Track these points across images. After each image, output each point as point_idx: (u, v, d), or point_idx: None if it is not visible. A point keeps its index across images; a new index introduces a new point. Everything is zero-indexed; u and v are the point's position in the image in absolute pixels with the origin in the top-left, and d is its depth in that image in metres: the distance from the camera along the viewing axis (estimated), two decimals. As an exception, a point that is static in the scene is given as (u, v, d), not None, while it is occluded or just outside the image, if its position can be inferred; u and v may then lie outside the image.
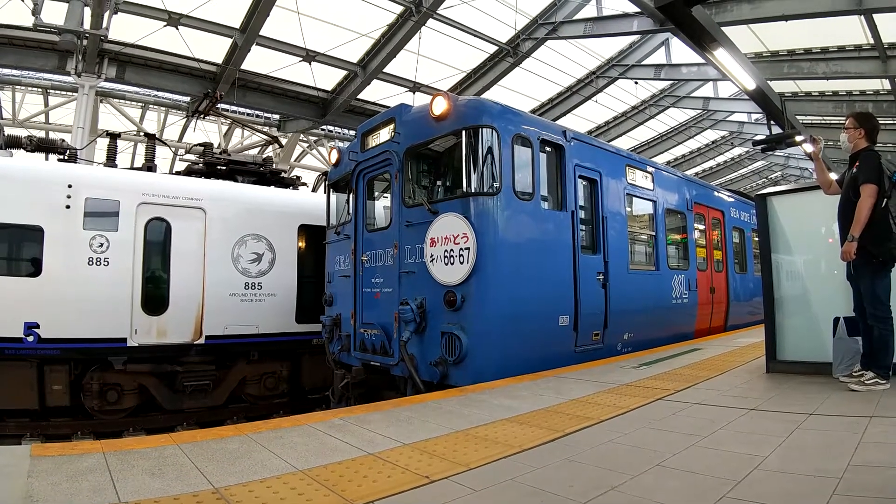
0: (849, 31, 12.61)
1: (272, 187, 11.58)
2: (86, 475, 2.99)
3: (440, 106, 6.66)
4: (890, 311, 4.80)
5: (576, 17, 16.22)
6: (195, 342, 9.43)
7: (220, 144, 20.51)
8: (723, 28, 10.95)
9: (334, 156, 9.05)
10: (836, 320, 5.28)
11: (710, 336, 10.41)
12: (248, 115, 19.21)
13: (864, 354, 5.07)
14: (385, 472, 3.11)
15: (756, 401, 4.64)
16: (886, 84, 15.06)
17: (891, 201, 4.79)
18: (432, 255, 6.53)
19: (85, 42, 12.96)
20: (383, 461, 3.31)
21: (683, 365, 6.68)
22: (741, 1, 11.70)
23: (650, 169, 9.48)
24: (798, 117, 18.00)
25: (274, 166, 12.57)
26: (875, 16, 11.43)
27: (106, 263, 8.78)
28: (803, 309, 6.03)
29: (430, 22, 15.08)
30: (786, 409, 4.30)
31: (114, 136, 10.97)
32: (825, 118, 19.19)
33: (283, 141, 20.27)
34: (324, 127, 20.62)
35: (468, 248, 6.14)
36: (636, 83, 20.86)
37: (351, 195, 8.36)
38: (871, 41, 12.77)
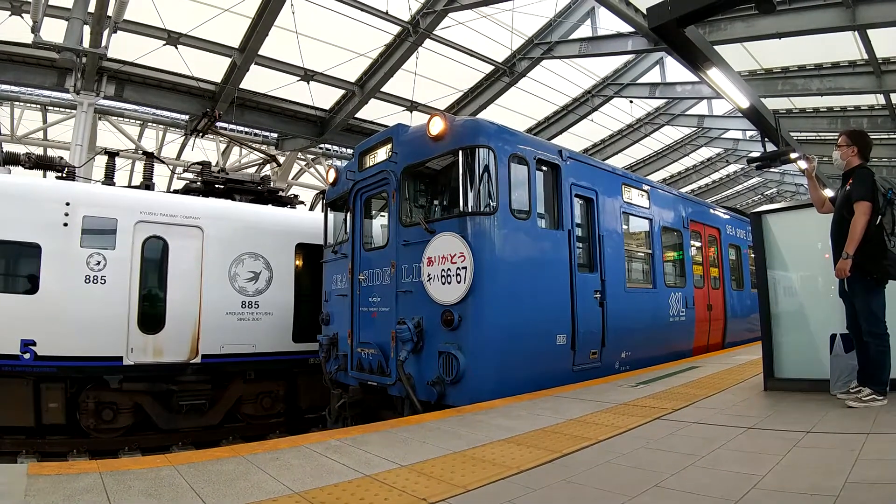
0: (843, 47, 12.73)
1: (269, 206, 11.60)
2: (82, 495, 3.00)
3: (437, 126, 6.72)
4: (885, 328, 4.81)
5: (571, 36, 16.39)
6: (191, 361, 9.39)
7: (217, 163, 20.57)
8: (717, 47, 11.06)
9: (332, 175, 9.09)
10: (833, 337, 5.30)
11: (708, 353, 10.40)
12: (246, 133, 19.28)
13: (860, 371, 5.07)
14: (382, 495, 3.09)
15: (754, 419, 4.63)
16: (881, 99, 15.18)
17: (885, 218, 4.81)
18: (429, 275, 6.54)
19: (84, 60, 13.04)
20: (380, 483, 3.29)
21: (681, 383, 6.67)
22: (735, 19, 11.84)
23: (646, 187, 9.53)
24: (792, 134, 18.14)
25: (271, 185, 12.60)
26: (869, 31, 11.54)
27: (103, 281, 8.77)
28: (800, 326, 6.03)
29: (428, 42, 15.24)
30: (783, 427, 4.29)
31: (112, 154, 11.00)
32: (820, 134, 19.34)
33: (281, 159, 20.35)
34: (321, 145, 20.70)
35: (465, 268, 6.16)
36: (631, 102, 21.03)
37: (348, 214, 8.39)
38: (866, 56, 12.89)
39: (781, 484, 3.05)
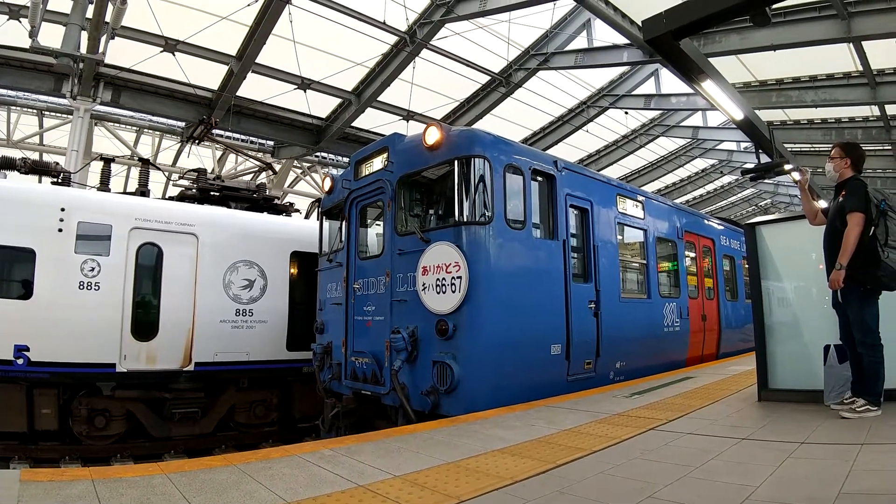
0: (837, 58, 12.79)
1: (265, 214, 11.59)
2: (75, 502, 2.99)
3: (433, 136, 6.74)
4: (879, 339, 4.84)
5: (567, 48, 16.48)
6: (184, 369, 9.34)
7: (213, 170, 20.57)
8: (711, 59, 11.12)
9: (328, 183, 9.10)
10: (827, 348, 5.32)
11: (703, 364, 10.41)
12: (242, 141, 19.29)
13: (854, 382, 5.09)
14: (375, 505, 3.08)
15: (748, 430, 4.64)
16: (875, 110, 15.26)
17: (878, 229, 4.85)
18: (424, 284, 6.54)
19: (81, 65, 13.04)
20: (373, 493, 3.28)
21: (676, 394, 6.68)
22: (729, 32, 11.90)
23: (640, 198, 9.57)
24: (787, 145, 18.20)
25: (267, 193, 12.59)
26: (864, 43, 11.62)
27: (97, 288, 8.74)
28: (794, 336, 6.05)
29: (424, 52, 15.31)
30: (777, 437, 4.30)
31: (108, 161, 10.99)
32: (814, 146, 19.42)
33: (277, 167, 20.34)
34: (317, 154, 20.73)
35: (460, 277, 6.16)
36: (626, 113, 21.11)
37: (344, 223, 8.39)
38: (860, 68, 12.94)
39: (775, 495, 3.05)
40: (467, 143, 6.64)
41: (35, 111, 18.30)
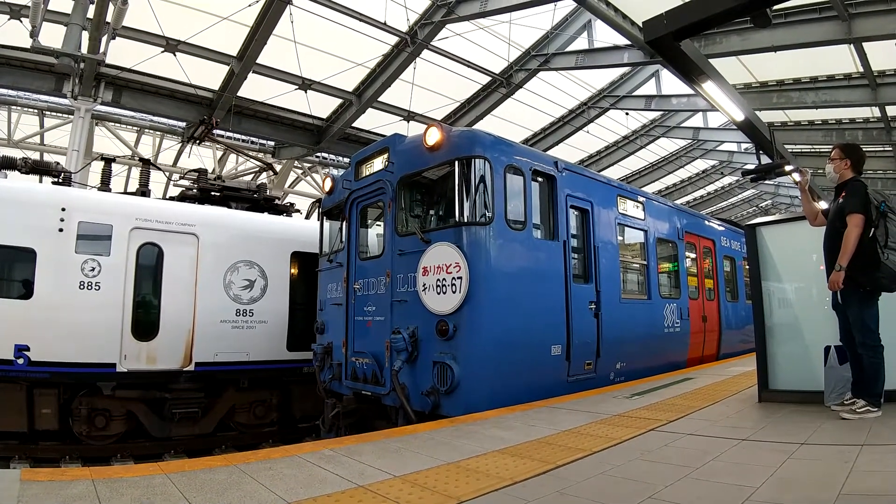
0: (838, 60, 12.78)
1: (265, 214, 11.59)
2: (75, 502, 2.99)
3: (433, 136, 6.74)
4: (879, 339, 4.84)
5: (568, 49, 16.49)
6: (185, 369, 9.34)
7: (214, 170, 20.58)
8: (712, 60, 11.12)
9: (328, 184, 9.10)
10: (827, 349, 5.32)
11: (703, 365, 10.40)
12: (243, 141, 19.31)
13: (854, 382, 5.09)
14: (375, 505, 3.08)
15: (748, 431, 4.64)
16: (876, 112, 15.26)
17: (878, 231, 4.85)
18: (424, 284, 6.53)
19: (82, 65, 13.06)
20: (373, 494, 3.28)
21: (676, 394, 6.68)
22: (730, 33, 11.90)
23: (641, 199, 9.57)
24: (787, 146, 18.19)
25: (268, 193, 12.59)
26: (864, 44, 11.61)
27: (97, 288, 8.74)
28: (795, 337, 6.04)
29: (425, 53, 15.32)
30: (778, 438, 4.30)
31: (108, 161, 10.99)
32: (815, 147, 19.40)
33: (278, 167, 20.36)
34: (318, 154, 20.74)
35: (460, 278, 6.16)
36: (627, 114, 21.12)
37: (344, 223, 8.39)
38: (861, 69, 12.94)
39: (775, 496, 3.05)
40: (468, 143, 6.64)
41: (36, 111, 18.32)
